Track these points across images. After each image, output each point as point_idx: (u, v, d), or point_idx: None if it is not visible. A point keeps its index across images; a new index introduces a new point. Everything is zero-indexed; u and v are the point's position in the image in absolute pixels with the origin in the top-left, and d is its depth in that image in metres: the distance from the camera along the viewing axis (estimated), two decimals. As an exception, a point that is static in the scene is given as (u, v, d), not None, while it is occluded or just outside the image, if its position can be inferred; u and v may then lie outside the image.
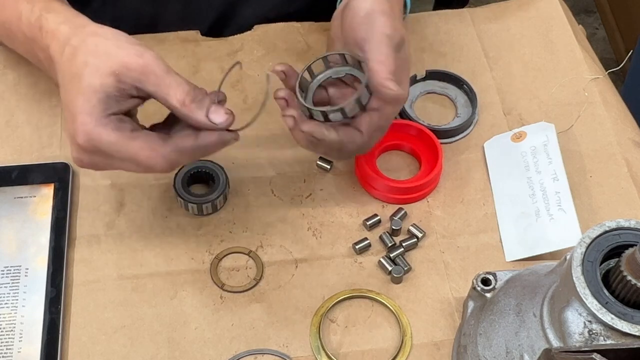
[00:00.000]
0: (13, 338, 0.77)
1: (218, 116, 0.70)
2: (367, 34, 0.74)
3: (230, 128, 0.72)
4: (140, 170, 0.72)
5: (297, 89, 0.76)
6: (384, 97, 0.74)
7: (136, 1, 1.00)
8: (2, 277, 0.80)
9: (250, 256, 0.83)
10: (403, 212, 0.86)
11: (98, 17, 0.78)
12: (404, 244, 0.83)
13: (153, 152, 0.69)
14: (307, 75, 0.79)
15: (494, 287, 0.74)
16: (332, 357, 0.77)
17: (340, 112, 0.75)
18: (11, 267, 0.81)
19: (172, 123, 0.74)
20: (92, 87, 0.68)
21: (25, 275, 0.80)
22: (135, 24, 0.99)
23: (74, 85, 0.70)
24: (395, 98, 0.74)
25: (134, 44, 0.71)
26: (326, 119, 0.76)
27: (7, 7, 0.80)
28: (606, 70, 1.00)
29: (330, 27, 0.81)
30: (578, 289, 0.59)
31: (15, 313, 0.78)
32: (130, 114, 0.73)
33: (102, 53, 0.69)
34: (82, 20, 0.75)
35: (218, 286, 0.81)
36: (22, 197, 0.85)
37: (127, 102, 0.70)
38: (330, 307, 0.80)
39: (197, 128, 0.72)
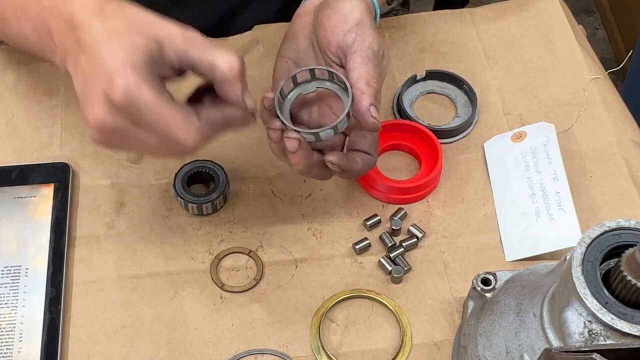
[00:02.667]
0: (13, 338, 0.77)
1: (249, 99, 0.70)
2: (357, 44, 0.74)
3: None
4: (162, 146, 0.67)
5: (277, 100, 0.74)
6: (365, 124, 0.74)
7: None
8: (2, 277, 0.80)
9: (250, 256, 0.83)
10: (403, 212, 0.86)
11: None
12: (404, 244, 0.83)
13: (189, 124, 0.66)
14: (287, 85, 0.76)
15: (494, 287, 0.74)
16: (332, 357, 0.77)
17: (332, 129, 0.73)
18: (11, 267, 0.81)
19: (195, 102, 0.72)
20: (138, 46, 0.64)
21: (25, 275, 0.80)
22: None
23: (114, 43, 0.65)
24: (374, 128, 0.75)
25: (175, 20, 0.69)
26: (317, 138, 0.74)
27: None
28: (606, 70, 1.00)
29: (293, 23, 0.80)
30: (578, 289, 0.59)
31: (15, 313, 0.78)
32: None
33: (146, 20, 0.67)
34: None
35: (218, 286, 0.81)
36: (22, 197, 0.85)
37: (166, 72, 0.68)
38: (330, 307, 0.80)
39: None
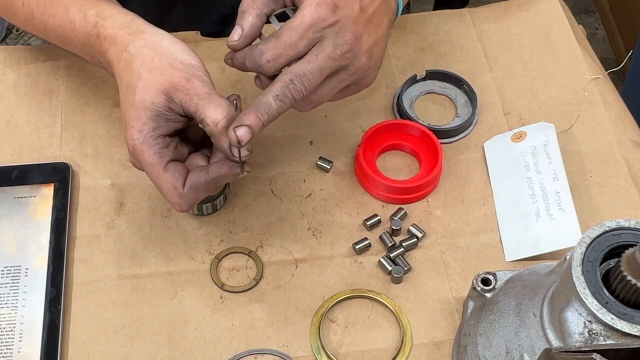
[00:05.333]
0: (13, 338, 0.77)
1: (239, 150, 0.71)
2: None
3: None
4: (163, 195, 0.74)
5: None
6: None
7: (141, 8, 1.00)
8: (2, 277, 0.80)
9: (250, 256, 0.83)
10: (403, 212, 0.86)
11: None
12: (404, 244, 0.83)
13: (173, 191, 0.72)
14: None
15: (494, 287, 0.74)
16: (332, 357, 0.77)
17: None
18: (11, 267, 0.81)
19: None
20: (144, 103, 0.70)
21: (25, 275, 0.80)
22: None
23: (128, 97, 0.71)
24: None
25: (187, 63, 0.71)
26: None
27: (57, 14, 0.80)
28: (606, 70, 1.00)
29: None
30: (578, 289, 0.59)
31: (15, 313, 0.78)
32: (183, 136, 0.74)
33: (156, 69, 0.71)
34: (140, 24, 0.75)
35: (218, 286, 0.81)
36: (22, 197, 0.85)
37: (177, 121, 0.72)
38: (330, 307, 0.80)
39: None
